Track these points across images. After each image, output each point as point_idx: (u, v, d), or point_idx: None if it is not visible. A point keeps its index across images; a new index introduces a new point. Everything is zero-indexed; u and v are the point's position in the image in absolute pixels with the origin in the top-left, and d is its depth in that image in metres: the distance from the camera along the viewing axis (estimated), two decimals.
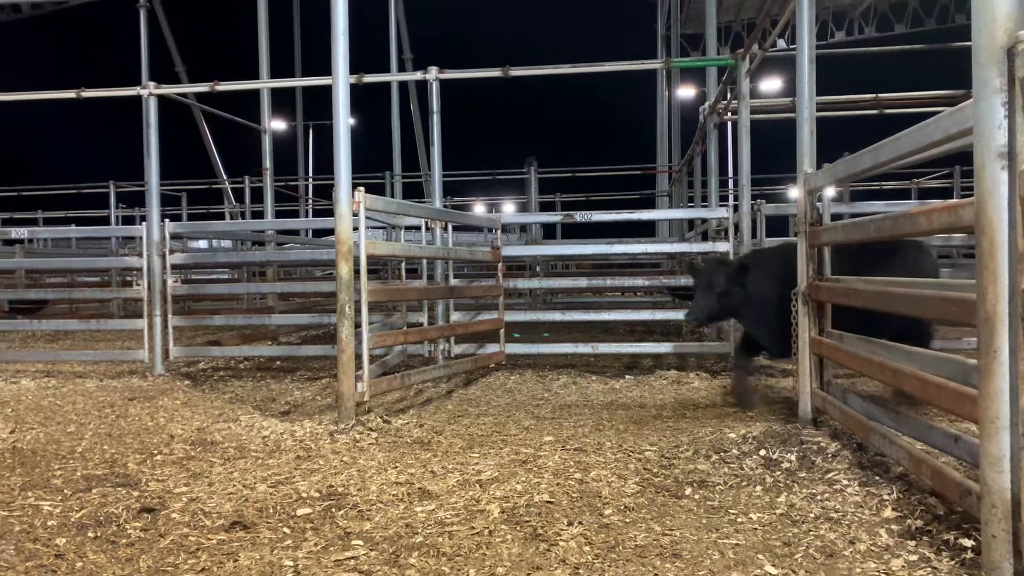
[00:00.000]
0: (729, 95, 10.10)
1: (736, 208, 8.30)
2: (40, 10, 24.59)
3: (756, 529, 3.49)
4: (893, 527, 3.41)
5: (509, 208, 23.20)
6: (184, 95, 12.59)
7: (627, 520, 3.63)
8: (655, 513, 3.74)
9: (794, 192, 6.24)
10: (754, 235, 8.27)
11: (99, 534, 3.60)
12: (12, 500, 4.15)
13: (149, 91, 9.11)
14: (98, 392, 7.59)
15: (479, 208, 23.10)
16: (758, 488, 4.06)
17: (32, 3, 23.13)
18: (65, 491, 4.30)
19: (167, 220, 8.95)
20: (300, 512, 3.84)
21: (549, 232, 18.98)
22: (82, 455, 5.13)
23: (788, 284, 5.57)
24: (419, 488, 4.19)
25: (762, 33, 8.40)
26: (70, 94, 9.72)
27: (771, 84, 18.83)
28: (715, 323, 6.56)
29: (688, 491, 4.05)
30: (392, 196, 19.32)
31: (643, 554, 3.24)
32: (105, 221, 19.88)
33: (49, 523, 3.77)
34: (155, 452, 5.14)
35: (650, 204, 20.34)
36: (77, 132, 28.22)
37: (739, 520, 3.61)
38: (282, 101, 21.82)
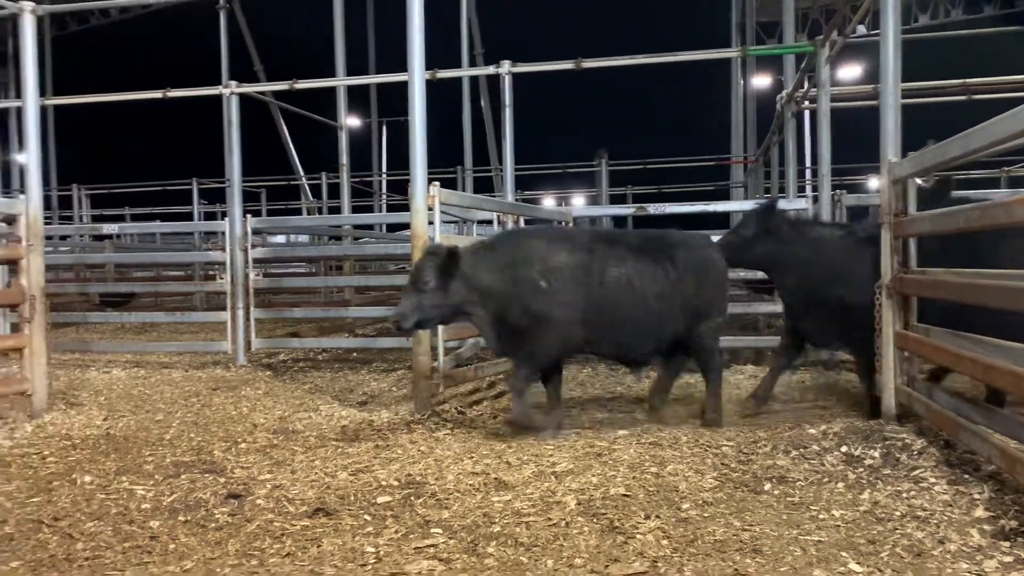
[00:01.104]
0: (807, 83, 9.86)
1: (816, 199, 8.11)
2: (127, 14, 25.56)
3: (839, 526, 3.42)
4: (985, 527, 3.29)
5: (579, 201, 23.10)
6: (263, 93, 12.92)
7: (705, 515, 3.60)
8: (734, 508, 3.69)
9: (875, 182, 6.03)
10: None
11: (189, 518, 3.75)
12: (108, 484, 4.35)
13: (231, 90, 9.38)
14: (184, 382, 7.87)
15: (549, 202, 23.06)
16: (840, 485, 3.97)
17: (121, 7, 24.02)
18: (156, 476, 4.48)
19: (249, 216, 9.21)
20: (380, 500, 3.92)
21: (619, 225, 18.82)
22: (171, 442, 5.34)
23: (521, 278, 5.15)
24: (495, 478, 4.22)
25: (842, 19, 8.16)
26: (156, 94, 10.08)
27: (850, 71, 18.25)
28: (433, 326, 5.59)
29: (767, 487, 3.98)
30: (463, 190, 19.45)
31: (723, 549, 3.20)
32: (188, 217, 20.57)
33: (143, 506, 3.95)
34: (239, 440, 5.32)
35: (724, 196, 19.97)
36: (162, 131, 29.22)
37: (821, 517, 3.54)
38: (356, 98, 22.16)
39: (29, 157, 6.50)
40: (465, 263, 5.17)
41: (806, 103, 10.33)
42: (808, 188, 16.23)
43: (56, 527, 3.66)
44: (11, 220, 6.30)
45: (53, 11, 10.46)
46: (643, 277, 5.39)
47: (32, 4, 6.36)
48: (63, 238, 16.62)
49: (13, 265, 6.36)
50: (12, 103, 16.63)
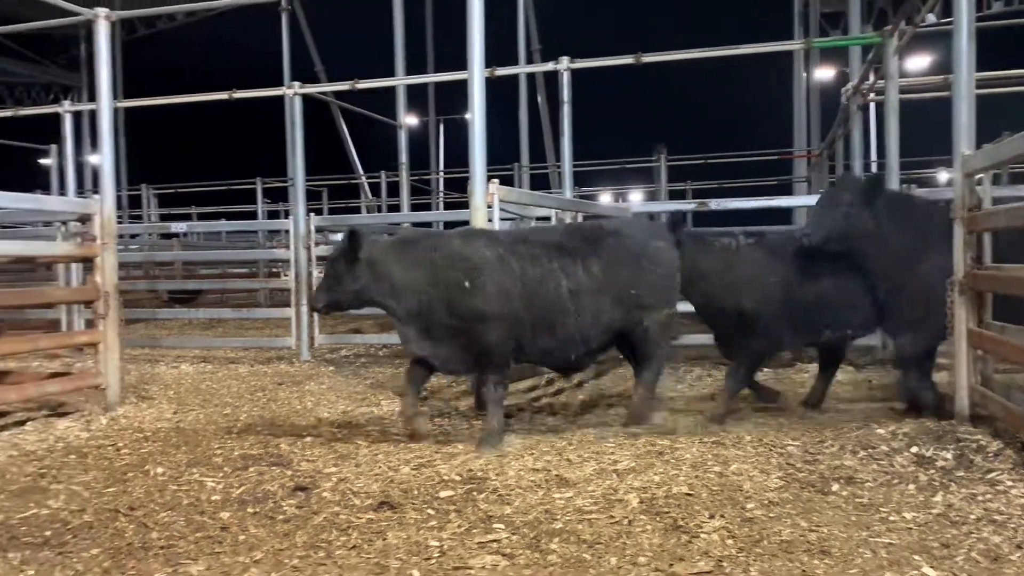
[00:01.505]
0: (872, 75, 9.62)
1: None
2: (193, 18, 26.26)
3: (911, 529, 3.33)
4: None
5: (636, 197, 22.92)
6: (323, 93, 13.12)
7: (771, 515, 3.54)
8: (800, 508, 3.63)
9: (945, 175, 5.82)
10: None
11: (258, 510, 3.83)
12: (180, 475, 4.48)
13: (295, 91, 9.55)
14: (250, 376, 8.04)
15: (605, 198, 22.94)
16: (911, 486, 3.87)
17: (186, 12, 24.69)
18: (225, 468, 4.59)
19: (312, 214, 9.37)
20: (443, 494, 3.95)
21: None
22: (238, 435, 5.47)
23: (442, 277, 4.99)
24: (556, 475, 4.22)
25: (911, 8, 7.94)
26: (223, 95, 10.31)
27: (919, 62, 17.74)
28: (346, 309, 5.64)
29: (835, 487, 3.91)
30: (520, 187, 19.46)
31: (789, 549, 3.15)
32: (252, 216, 21.02)
33: (213, 498, 4.05)
34: (304, 434, 5.42)
35: (786, 190, 19.62)
36: (225, 131, 29.88)
37: (891, 519, 3.46)
38: (413, 96, 22.37)
39: (103, 159, 6.71)
40: (376, 251, 5.10)
41: (872, 95, 10.09)
42: None
43: (132, 516, 3.78)
44: (85, 219, 6.53)
45: (124, 16, 10.79)
46: (560, 277, 5.11)
47: (106, 10, 6.57)
48: (132, 236, 17.14)
49: (88, 263, 6.58)
50: (84, 106, 17.21)
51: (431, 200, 23.97)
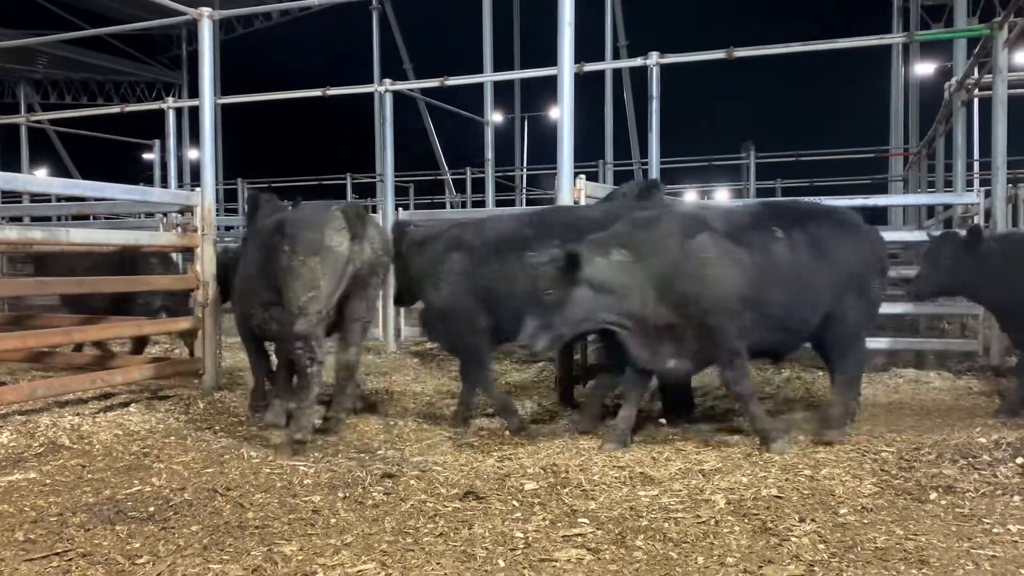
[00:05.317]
0: (977, 70, 9.20)
1: (988, 193, 7.56)
2: (287, 17, 27.01)
3: (1016, 542, 3.20)
4: None
5: (722, 195, 22.49)
6: (412, 90, 13.29)
7: (865, 521, 3.44)
8: (896, 516, 3.52)
9: None
10: (1015, 223, 7.49)
11: (348, 495, 3.93)
12: (273, 459, 4.62)
13: (386, 88, 9.72)
14: None
15: (690, 195, 22.57)
16: (1016, 498, 3.70)
17: (281, 11, 25.40)
18: (316, 454, 4.72)
19: (400, 209, 9.54)
20: (527, 487, 3.97)
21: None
22: (327, 421, 5.60)
23: None
24: (640, 473, 4.20)
25: None
26: (316, 92, 10.57)
27: None
28: None
29: (933, 496, 3.77)
30: (605, 183, 19.32)
31: (885, 557, 3.06)
32: None
33: (305, 482, 4.17)
34: (391, 423, 5.53)
35: (881, 190, 18.95)
36: (316, 127, 30.54)
37: (995, 531, 3.32)
38: (496, 93, 22.44)
39: (204, 153, 6.97)
40: None
41: (977, 91, 9.66)
42: (976, 182, 15.15)
43: (228, 496, 3.92)
44: (186, 211, 6.79)
45: (224, 15, 11.14)
46: None
47: (209, 9, 6.81)
48: (228, 229, 17.73)
49: (188, 253, 6.84)
50: (186, 103, 17.87)
51: (515, 196, 24.03)
